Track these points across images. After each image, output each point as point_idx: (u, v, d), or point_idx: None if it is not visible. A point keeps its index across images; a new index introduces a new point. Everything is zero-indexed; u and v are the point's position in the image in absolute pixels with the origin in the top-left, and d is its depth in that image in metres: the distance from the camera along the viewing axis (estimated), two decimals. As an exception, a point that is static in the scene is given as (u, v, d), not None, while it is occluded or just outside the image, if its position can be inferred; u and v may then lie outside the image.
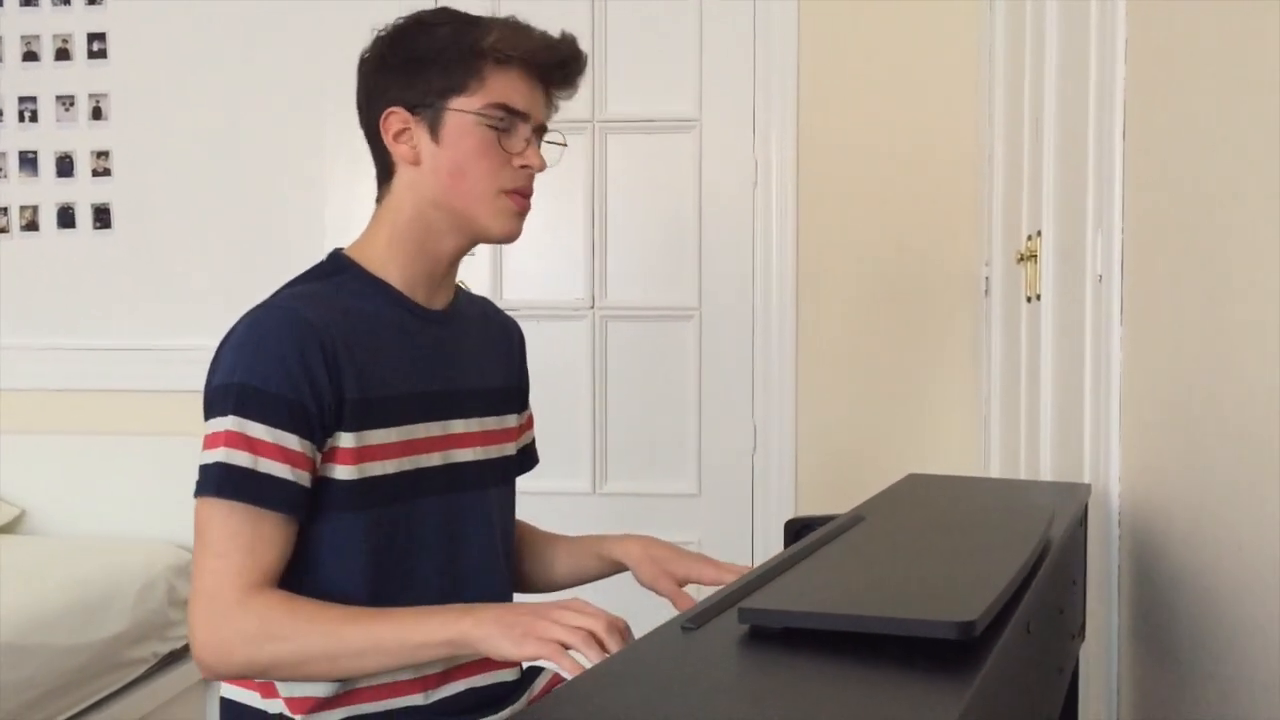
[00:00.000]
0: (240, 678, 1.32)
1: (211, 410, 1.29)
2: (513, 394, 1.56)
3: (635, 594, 1.55)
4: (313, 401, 1.28)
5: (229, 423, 1.26)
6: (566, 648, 1.15)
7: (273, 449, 1.26)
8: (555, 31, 1.41)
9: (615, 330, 3.07)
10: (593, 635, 1.14)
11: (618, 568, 1.56)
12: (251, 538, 1.26)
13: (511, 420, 1.54)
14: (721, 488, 3.03)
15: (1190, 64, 1.34)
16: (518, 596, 1.55)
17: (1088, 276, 1.71)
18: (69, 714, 2.37)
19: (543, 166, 1.40)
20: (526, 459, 1.62)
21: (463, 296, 1.52)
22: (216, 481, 1.26)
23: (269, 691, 1.33)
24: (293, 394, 1.27)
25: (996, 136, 2.59)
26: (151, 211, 3.17)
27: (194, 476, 1.29)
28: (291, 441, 1.27)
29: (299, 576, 1.30)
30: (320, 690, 1.31)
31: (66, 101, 3.18)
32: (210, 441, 1.28)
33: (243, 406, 1.26)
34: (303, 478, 1.28)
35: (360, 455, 1.31)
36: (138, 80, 3.16)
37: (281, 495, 1.26)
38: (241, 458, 1.25)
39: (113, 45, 3.17)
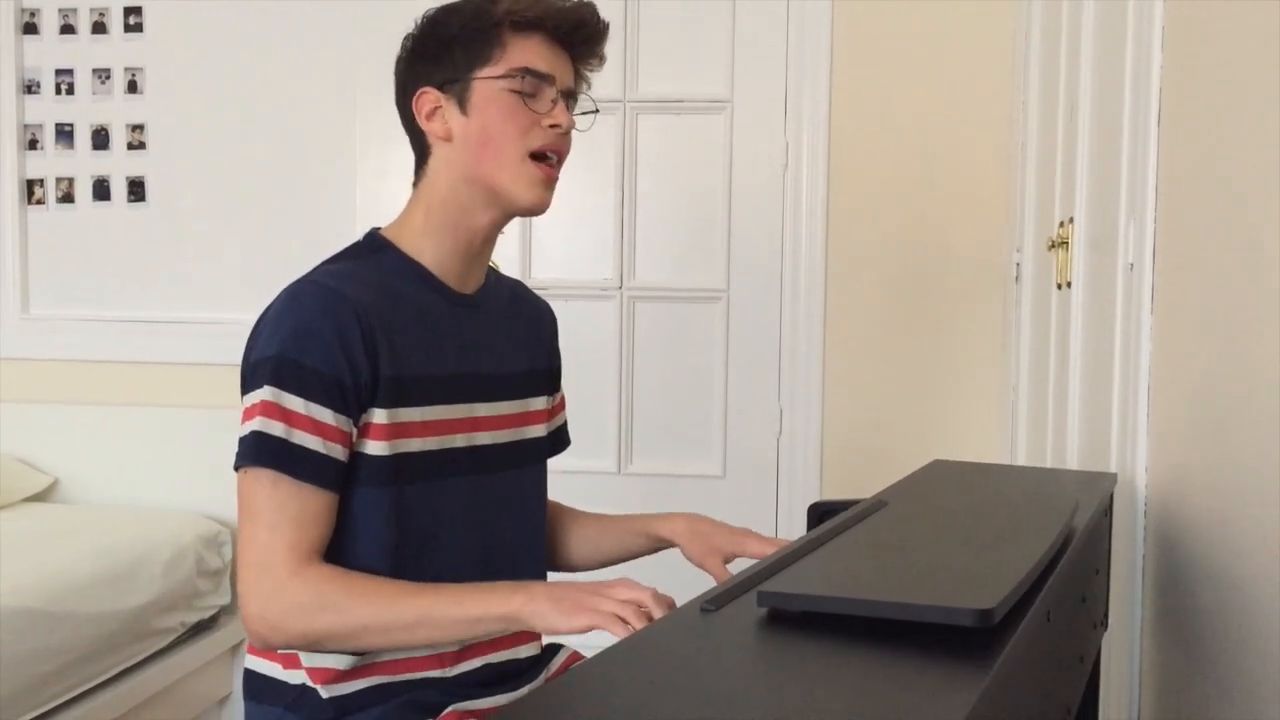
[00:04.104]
0: (290, 649, 1.33)
1: (249, 383, 1.31)
2: (540, 377, 1.56)
3: (673, 573, 1.55)
4: (349, 376, 1.29)
5: (265, 393, 1.28)
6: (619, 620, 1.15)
7: (306, 421, 1.27)
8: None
9: (643, 311, 3.07)
10: (642, 608, 1.15)
11: (663, 545, 1.57)
12: (299, 510, 1.27)
13: (539, 403, 1.54)
14: (746, 470, 3.03)
15: (1227, 52, 1.33)
16: (563, 576, 1.56)
17: (1119, 264, 1.70)
18: (97, 681, 2.40)
19: (571, 124, 1.41)
20: (558, 441, 1.63)
21: (493, 278, 1.52)
22: (254, 450, 1.27)
23: (291, 663, 1.35)
24: (329, 368, 1.28)
25: (1030, 121, 2.57)
26: (185, 185, 3.19)
27: (224, 448, 1.30)
28: (326, 415, 1.28)
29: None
30: (341, 662, 1.32)
31: (103, 75, 3.21)
32: (248, 413, 1.29)
33: (279, 379, 1.28)
34: (336, 452, 1.29)
35: (393, 432, 1.33)
36: (173, 54, 3.18)
37: (315, 468, 1.27)
38: (276, 428, 1.27)
39: (149, 19, 3.19)
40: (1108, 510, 1.46)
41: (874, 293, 2.97)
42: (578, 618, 1.17)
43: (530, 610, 1.20)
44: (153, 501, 3.01)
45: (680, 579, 1.52)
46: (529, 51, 1.38)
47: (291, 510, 1.27)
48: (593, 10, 1.42)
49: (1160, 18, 1.55)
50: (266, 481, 1.27)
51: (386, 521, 1.33)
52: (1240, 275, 1.24)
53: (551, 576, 1.54)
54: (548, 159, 1.39)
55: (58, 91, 3.22)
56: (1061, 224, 2.10)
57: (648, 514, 1.59)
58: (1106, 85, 1.85)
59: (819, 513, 1.48)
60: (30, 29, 3.22)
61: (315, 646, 1.30)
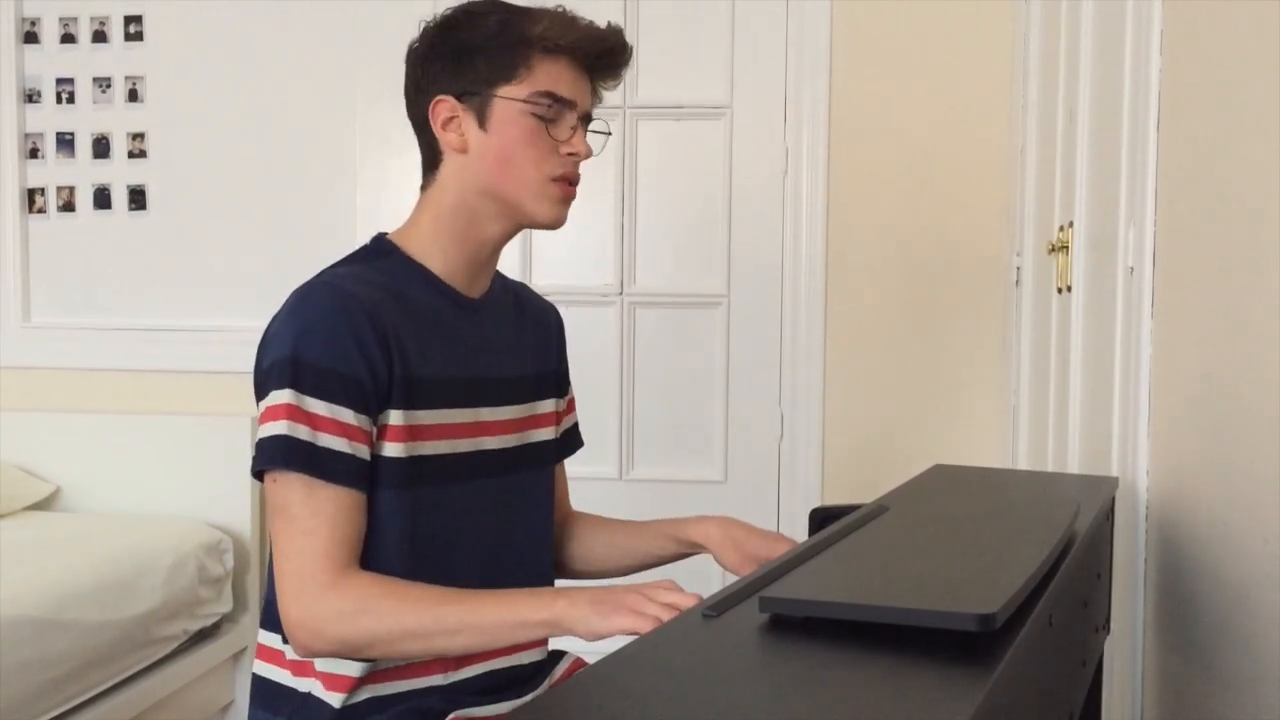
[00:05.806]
0: (333, 656, 1.31)
1: (266, 386, 1.30)
2: (548, 379, 1.56)
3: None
4: (367, 375, 1.29)
5: (287, 396, 1.27)
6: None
7: (330, 424, 1.27)
8: (600, 21, 1.43)
9: (643, 317, 3.07)
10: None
11: (694, 550, 1.55)
12: (334, 512, 1.27)
13: (546, 406, 1.54)
14: (748, 475, 3.03)
15: (1226, 57, 1.33)
16: (592, 583, 1.54)
17: (1119, 268, 1.70)
18: (99, 690, 2.40)
19: (589, 154, 1.42)
20: (570, 443, 1.62)
21: (498, 282, 1.52)
22: (283, 455, 1.26)
23: (302, 670, 1.35)
24: (346, 368, 1.28)
25: (1030, 126, 2.57)
26: (186, 193, 3.20)
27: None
28: (348, 416, 1.28)
29: None
30: (353, 669, 1.32)
31: (103, 84, 3.21)
32: (271, 414, 1.28)
33: (298, 382, 1.27)
34: (361, 451, 1.29)
35: (409, 434, 1.33)
36: (174, 63, 3.18)
37: (344, 469, 1.27)
38: (302, 431, 1.26)
39: (149, 28, 3.19)
40: (1109, 514, 1.46)
41: (875, 297, 2.97)
42: (617, 618, 1.15)
43: (573, 615, 1.18)
44: (154, 509, 3.00)
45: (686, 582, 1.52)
46: (554, 75, 1.37)
47: (327, 513, 1.26)
48: (621, 38, 1.43)
49: (1159, 21, 1.56)
50: (299, 486, 1.27)
51: (402, 525, 1.32)
52: (1240, 278, 1.25)
53: (584, 583, 1.53)
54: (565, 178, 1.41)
55: (58, 100, 3.23)
56: (1061, 228, 2.10)
57: (678, 518, 1.57)
58: (1105, 89, 1.85)
59: (820, 518, 1.48)
60: (31, 38, 3.23)
61: (356, 654, 1.28)
